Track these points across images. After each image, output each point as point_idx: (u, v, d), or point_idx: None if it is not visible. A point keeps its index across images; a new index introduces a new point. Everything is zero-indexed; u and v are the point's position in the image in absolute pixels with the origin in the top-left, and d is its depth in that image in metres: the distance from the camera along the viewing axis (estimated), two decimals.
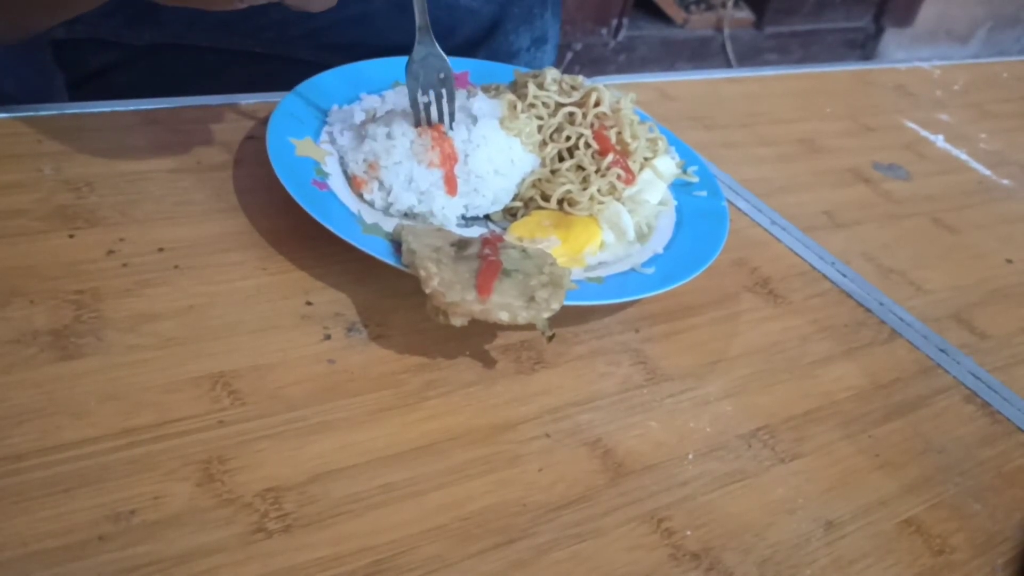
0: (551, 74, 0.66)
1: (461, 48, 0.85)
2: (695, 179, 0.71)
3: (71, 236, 0.53)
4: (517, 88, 0.67)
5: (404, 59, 0.69)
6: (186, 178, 0.60)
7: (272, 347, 0.50)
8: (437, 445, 0.47)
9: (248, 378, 0.47)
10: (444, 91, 0.59)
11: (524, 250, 0.55)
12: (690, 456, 0.51)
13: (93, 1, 0.58)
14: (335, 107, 0.64)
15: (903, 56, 3.06)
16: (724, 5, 2.75)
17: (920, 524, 0.51)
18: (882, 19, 3.12)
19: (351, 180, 0.59)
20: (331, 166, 0.59)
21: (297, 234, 0.56)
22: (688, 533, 0.46)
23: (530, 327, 0.50)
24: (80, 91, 0.81)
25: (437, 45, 0.59)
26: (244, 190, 0.57)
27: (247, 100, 0.70)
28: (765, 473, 0.51)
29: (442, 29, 0.84)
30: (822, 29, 3.00)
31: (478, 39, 0.86)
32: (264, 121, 0.61)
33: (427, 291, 0.49)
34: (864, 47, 3.17)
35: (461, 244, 0.54)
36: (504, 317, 0.50)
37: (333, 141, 0.61)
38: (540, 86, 0.65)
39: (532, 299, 0.51)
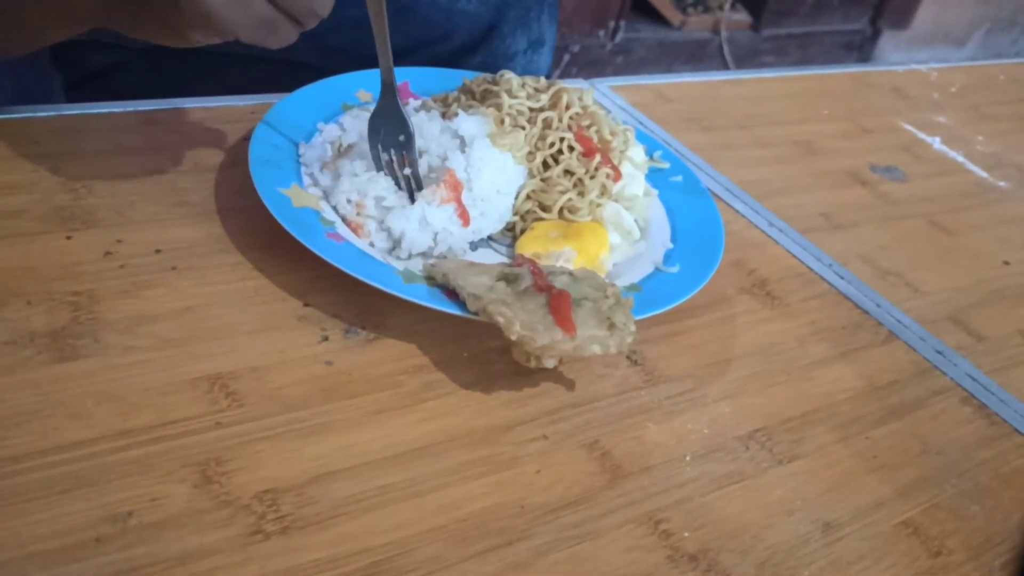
0: (514, 79, 0.66)
1: (458, 51, 0.85)
2: (665, 164, 0.72)
3: (69, 237, 0.53)
4: (479, 97, 0.67)
5: (347, 76, 0.69)
6: (184, 179, 0.60)
7: (270, 348, 0.50)
8: (435, 446, 0.47)
9: (246, 379, 0.47)
10: (405, 154, 0.58)
11: (571, 273, 0.54)
12: (688, 457, 0.51)
13: (67, 31, 0.58)
14: (302, 143, 0.62)
15: (900, 58, 3.07)
16: (721, 7, 2.75)
17: (918, 526, 0.51)
18: (879, 21, 3.12)
19: (346, 221, 0.57)
20: (326, 210, 0.57)
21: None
22: (686, 534, 0.46)
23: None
24: (78, 92, 0.81)
25: (400, 103, 0.57)
26: (242, 191, 0.57)
27: (244, 101, 0.70)
28: (763, 475, 0.51)
29: (439, 32, 0.84)
30: (819, 31, 3.00)
31: (475, 42, 0.86)
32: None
33: (512, 338, 0.48)
34: (861, 49, 3.17)
35: (510, 278, 0.52)
36: (597, 350, 0.48)
37: (316, 183, 0.59)
38: (510, 94, 0.64)
39: (612, 324, 0.50)
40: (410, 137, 0.58)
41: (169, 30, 0.48)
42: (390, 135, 0.58)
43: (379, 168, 0.59)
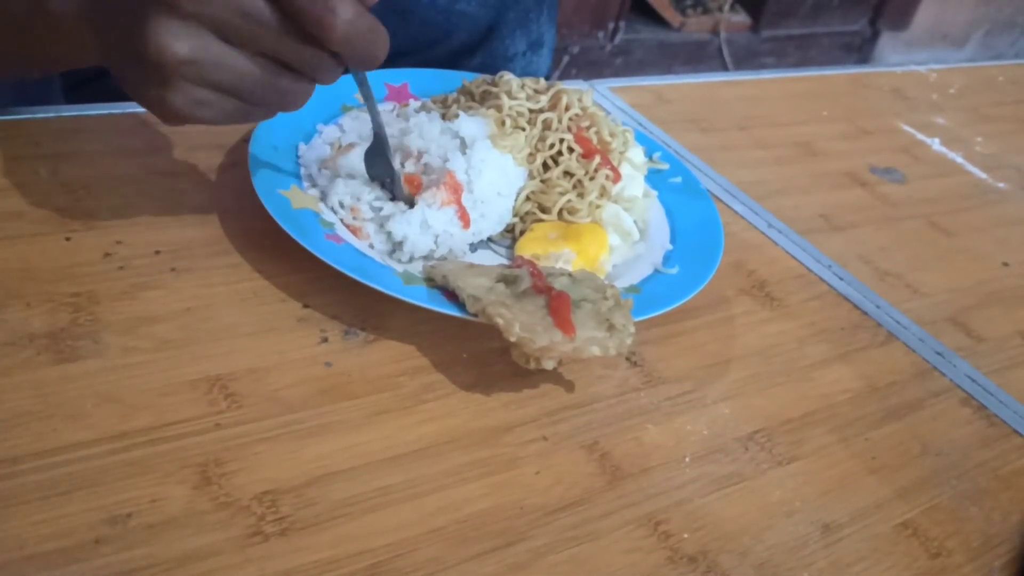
0: (513, 80, 0.66)
1: (457, 53, 0.85)
2: (665, 166, 0.72)
3: (68, 239, 0.53)
4: (478, 98, 0.67)
5: (346, 77, 0.69)
6: (183, 180, 0.60)
7: (269, 350, 0.50)
8: (435, 448, 0.47)
9: (245, 381, 0.47)
10: (395, 192, 0.58)
11: (570, 275, 0.54)
12: (687, 459, 0.51)
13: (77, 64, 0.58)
14: (302, 145, 0.62)
15: (899, 59, 3.07)
16: (721, 8, 2.75)
17: (917, 527, 0.51)
18: (878, 22, 3.12)
19: (346, 224, 0.57)
20: (326, 212, 0.57)
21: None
22: (685, 536, 0.46)
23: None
24: (77, 93, 0.81)
25: (390, 153, 0.57)
26: (241, 192, 0.57)
27: None
28: (762, 476, 0.51)
29: (438, 34, 0.84)
30: (818, 32, 3.00)
31: (474, 44, 0.86)
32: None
33: (512, 339, 0.48)
34: (860, 50, 3.17)
35: (509, 279, 0.52)
36: (596, 352, 0.48)
37: (315, 184, 0.59)
38: (509, 95, 0.64)
39: (611, 326, 0.50)
40: (396, 180, 0.58)
41: (146, 108, 0.47)
42: (378, 176, 0.58)
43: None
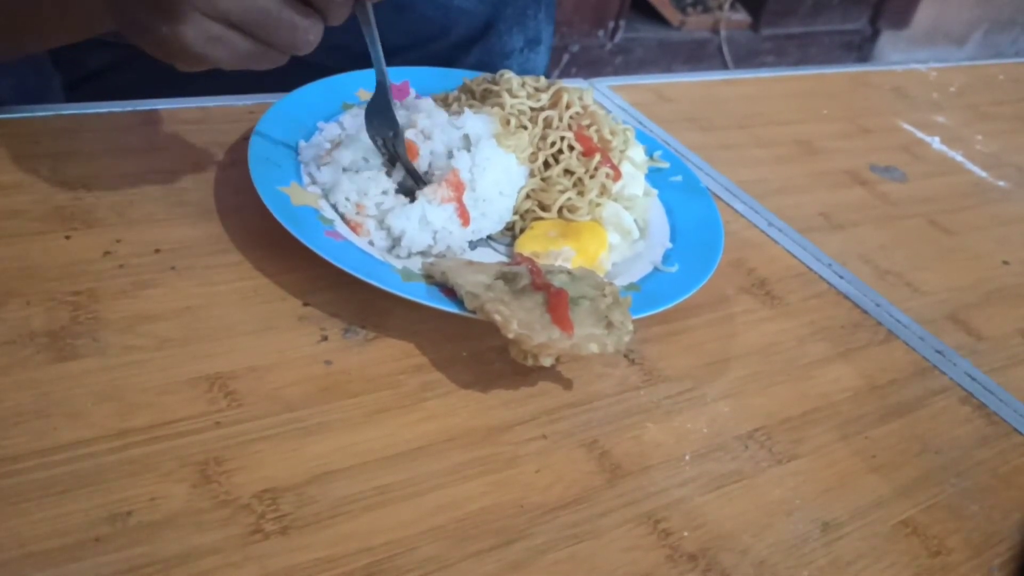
0: (514, 79, 0.66)
1: (455, 48, 0.85)
2: (665, 164, 0.72)
3: (68, 237, 0.53)
4: (479, 97, 0.67)
5: (347, 75, 0.69)
6: (183, 179, 0.60)
7: (269, 348, 0.50)
8: (434, 446, 0.47)
9: (245, 379, 0.47)
10: (397, 150, 0.58)
11: (569, 272, 0.54)
12: (687, 457, 0.51)
13: (74, 35, 0.58)
14: (302, 142, 0.62)
15: (899, 58, 3.07)
16: (721, 7, 2.75)
17: (917, 525, 0.51)
18: (878, 21, 3.12)
19: (345, 220, 0.57)
20: (326, 209, 0.57)
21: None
22: (685, 534, 0.46)
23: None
24: (77, 92, 0.81)
25: (392, 103, 0.57)
26: (241, 191, 0.57)
27: (243, 101, 0.70)
28: (762, 474, 0.51)
29: (436, 29, 0.84)
30: (819, 31, 3.00)
31: (471, 39, 0.86)
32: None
33: (509, 336, 0.48)
34: (861, 49, 3.17)
35: (508, 277, 0.52)
36: (594, 349, 0.48)
37: (315, 181, 0.59)
38: (511, 93, 0.64)
39: (610, 323, 0.50)
40: (399, 135, 0.58)
41: (158, 53, 0.48)
42: (381, 131, 0.58)
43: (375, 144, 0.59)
